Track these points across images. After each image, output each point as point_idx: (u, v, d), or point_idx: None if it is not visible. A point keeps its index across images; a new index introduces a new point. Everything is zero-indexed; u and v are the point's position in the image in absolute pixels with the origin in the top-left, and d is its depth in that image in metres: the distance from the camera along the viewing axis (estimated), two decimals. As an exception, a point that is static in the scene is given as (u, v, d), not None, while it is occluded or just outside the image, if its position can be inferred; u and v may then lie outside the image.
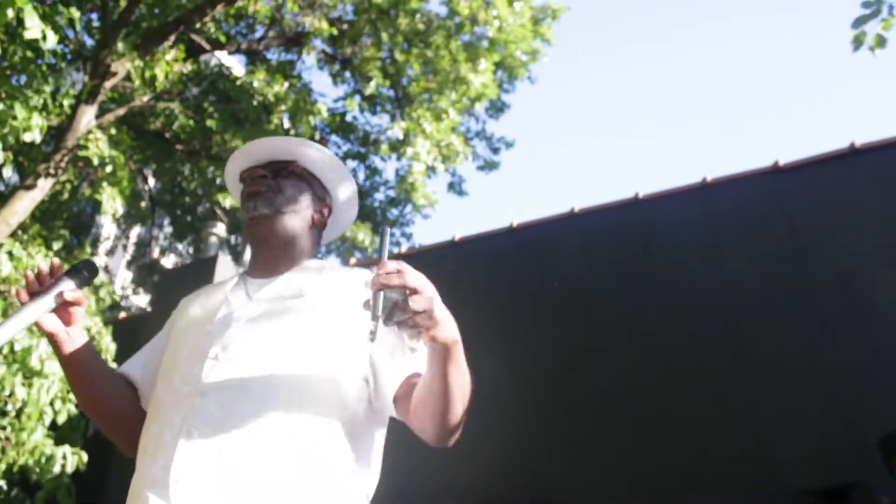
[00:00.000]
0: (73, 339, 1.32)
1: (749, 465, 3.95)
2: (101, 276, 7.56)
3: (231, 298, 1.42)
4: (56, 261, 1.26)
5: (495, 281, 5.29)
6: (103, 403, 1.42)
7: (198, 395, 1.23)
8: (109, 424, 1.43)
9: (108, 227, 12.40)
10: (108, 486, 5.23)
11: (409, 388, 1.28)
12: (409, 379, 1.30)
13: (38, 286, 1.25)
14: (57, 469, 4.19)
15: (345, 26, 8.25)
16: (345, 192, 1.59)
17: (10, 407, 4.13)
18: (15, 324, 1.17)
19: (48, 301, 1.22)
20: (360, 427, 1.29)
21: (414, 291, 1.06)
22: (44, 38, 4.24)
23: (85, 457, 4.27)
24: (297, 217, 1.49)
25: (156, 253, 11.56)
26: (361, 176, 10.56)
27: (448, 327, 1.11)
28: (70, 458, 4.21)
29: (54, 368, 4.17)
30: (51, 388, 4.18)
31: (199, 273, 6.22)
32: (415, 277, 1.06)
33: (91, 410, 1.43)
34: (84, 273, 1.28)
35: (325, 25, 7.77)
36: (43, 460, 4.13)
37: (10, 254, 4.50)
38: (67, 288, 1.24)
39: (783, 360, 4.20)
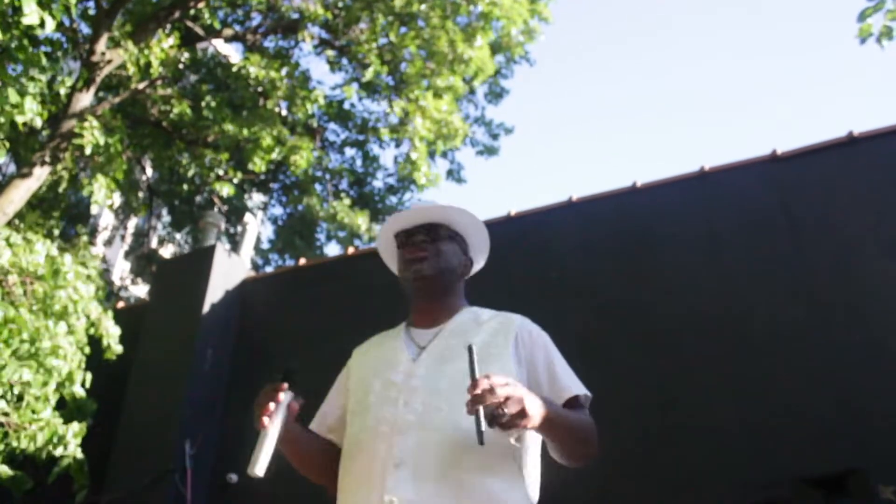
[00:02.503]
0: (292, 431, 1.56)
1: (745, 452, 3.97)
2: (99, 265, 7.55)
3: (404, 349, 1.68)
4: (283, 384, 1.47)
5: (493, 270, 5.29)
6: (315, 465, 1.69)
7: (397, 433, 1.50)
8: (317, 475, 1.70)
9: (105, 218, 12.38)
10: (106, 480, 5.24)
11: None
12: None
13: (272, 409, 1.45)
14: (71, 449, 4.21)
15: (340, 12, 8.20)
16: (482, 245, 1.91)
17: (16, 389, 4.12)
18: (268, 449, 1.39)
19: (280, 417, 1.45)
20: (525, 457, 1.56)
21: (507, 399, 1.29)
22: (42, 24, 4.20)
23: (83, 430, 4.30)
24: (452, 273, 1.78)
25: (154, 243, 11.55)
26: (359, 163, 10.55)
27: (539, 413, 1.36)
28: (80, 433, 4.25)
29: (65, 349, 4.19)
30: (63, 367, 4.18)
31: (197, 263, 6.21)
32: (505, 389, 1.30)
33: (306, 472, 1.71)
34: (294, 381, 1.49)
35: (320, 10, 7.72)
36: (55, 440, 4.16)
37: (7, 240, 4.49)
38: (289, 399, 1.47)
39: (781, 347, 4.21)
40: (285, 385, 1.46)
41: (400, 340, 1.72)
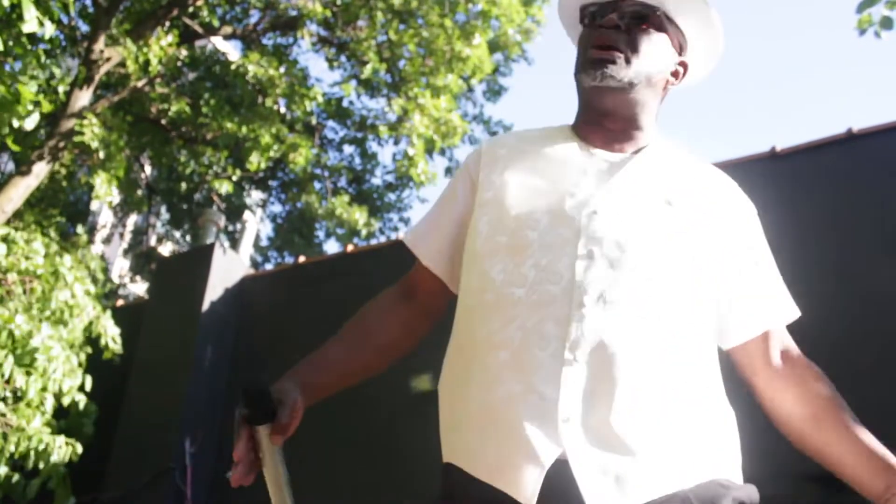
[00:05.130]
0: (316, 389, 1.12)
1: (747, 451, 3.96)
2: (99, 263, 7.56)
3: (580, 167, 1.16)
4: (263, 426, 1.01)
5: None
6: (391, 354, 1.24)
7: (575, 305, 1.00)
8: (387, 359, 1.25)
9: (104, 215, 12.38)
10: (106, 478, 5.24)
11: (762, 346, 1.23)
12: (768, 333, 1.23)
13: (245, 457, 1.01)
14: (55, 458, 4.12)
15: (339, 9, 8.20)
16: (710, 47, 1.26)
17: (8, 393, 4.09)
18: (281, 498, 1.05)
19: (272, 459, 1.04)
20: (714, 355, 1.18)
21: None
22: (41, 26, 4.19)
23: (80, 448, 4.12)
24: (652, 86, 1.20)
25: (153, 241, 11.54)
26: (358, 160, 10.56)
27: None
28: (64, 449, 4.04)
29: (55, 353, 4.14)
30: (54, 372, 4.14)
31: (196, 261, 6.21)
32: None
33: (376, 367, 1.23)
34: (266, 403, 1.03)
35: (318, 8, 7.72)
36: (40, 448, 4.06)
37: (4, 238, 4.47)
38: (266, 433, 1.02)
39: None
40: (264, 427, 1.02)
41: (573, 153, 1.18)
